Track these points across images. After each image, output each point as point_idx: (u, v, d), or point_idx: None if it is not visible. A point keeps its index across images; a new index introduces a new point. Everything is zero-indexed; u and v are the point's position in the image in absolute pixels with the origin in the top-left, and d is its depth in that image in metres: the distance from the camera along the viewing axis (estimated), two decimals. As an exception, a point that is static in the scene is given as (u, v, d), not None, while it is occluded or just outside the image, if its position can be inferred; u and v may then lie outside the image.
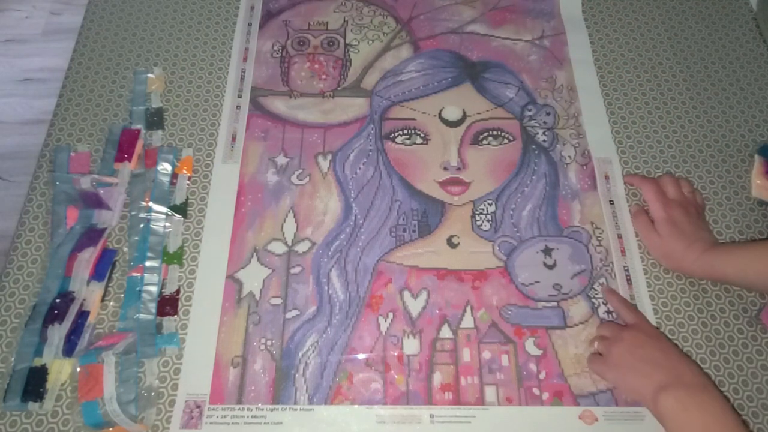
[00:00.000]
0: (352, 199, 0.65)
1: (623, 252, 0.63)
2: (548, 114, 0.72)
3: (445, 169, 0.67)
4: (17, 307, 0.58)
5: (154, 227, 0.61)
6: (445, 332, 0.58)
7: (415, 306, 0.59)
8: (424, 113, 0.71)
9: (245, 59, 0.75)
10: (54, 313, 0.55)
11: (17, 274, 0.60)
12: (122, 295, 0.58)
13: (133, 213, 0.62)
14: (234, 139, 0.69)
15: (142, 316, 0.57)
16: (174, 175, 0.65)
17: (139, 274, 0.59)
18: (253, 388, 0.55)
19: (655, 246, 0.61)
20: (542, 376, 0.56)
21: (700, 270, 0.58)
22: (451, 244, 0.63)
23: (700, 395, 0.49)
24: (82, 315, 0.56)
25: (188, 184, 0.65)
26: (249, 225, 0.63)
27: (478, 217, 0.64)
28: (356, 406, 0.55)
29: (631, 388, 0.53)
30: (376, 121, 0.71)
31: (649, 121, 0.72)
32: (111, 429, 0.52)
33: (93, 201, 0.62)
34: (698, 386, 0.50)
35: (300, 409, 0.54)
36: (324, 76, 0.74)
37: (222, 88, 0.73)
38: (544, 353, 0.57)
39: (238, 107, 0.71)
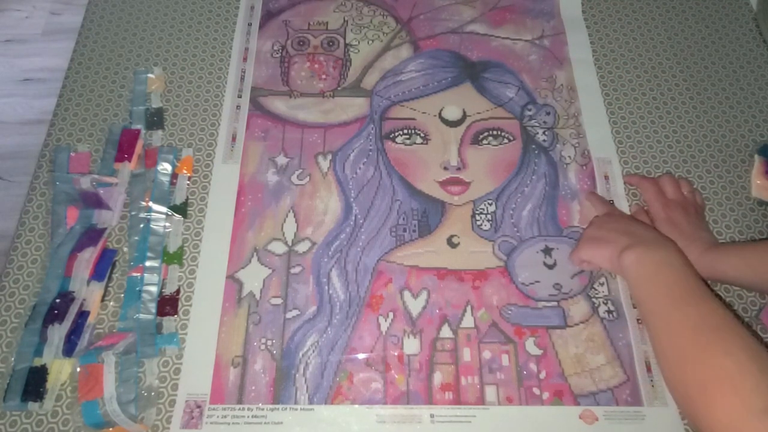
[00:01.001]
0: (352, 199, 0.65)
1: (623, 252, 0.63)
2: (548, 114, 0.72)
3: (445, 168, 0.67)
4: (17, 307, 0.58)
5: (154, 227, 0.61)
6: (446, 332, 0.58)
7: (415, 306, 0.59)
8: (424, 113, 0.71)
9: (245, 59, 0.75)
10: (54, 313, 0.55)
11: (17, 274, 0.60)
12: (122, 295, 0.58)
13: (133, 213, 0.62)
14: (234, 139, 0.69)
15: (142, 316, 0.57)
16: (174, 175, 0.65)
17: (139, 274, 0.59)
18: (253, 388, 0.55)
19: None
20: (542, 375, 0.56)
21: (699, 270, 0.58)
22: (451, 243, 0.63)
23: (657, 251, 0.54)
24: (82, 315, 0.56)
25: (188, 184, 0.65)
26: (249, 225, 0.63)
27: (478, 217, 0.64)
28: (356, 405, 0.55)
29: (602, 257, 0.58)
30: (376, 120, 0.71)
31: (649, 121, 0.72)
32: (111, 429, 0.52)
33: (93, 201, 0.62)
34: (657, 244, 0.55)
35: (300, 409, 0.54)
36: (324, 76, 0.74)
37: (222, 88, 0.73)
38: (544, 353, 0.57)
39: (238, 107, 0.71)
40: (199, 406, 0.54)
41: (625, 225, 0.60)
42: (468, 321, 0.59)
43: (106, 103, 0.71)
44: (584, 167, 0.68)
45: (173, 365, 0.56)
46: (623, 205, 0.66)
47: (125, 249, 0.61)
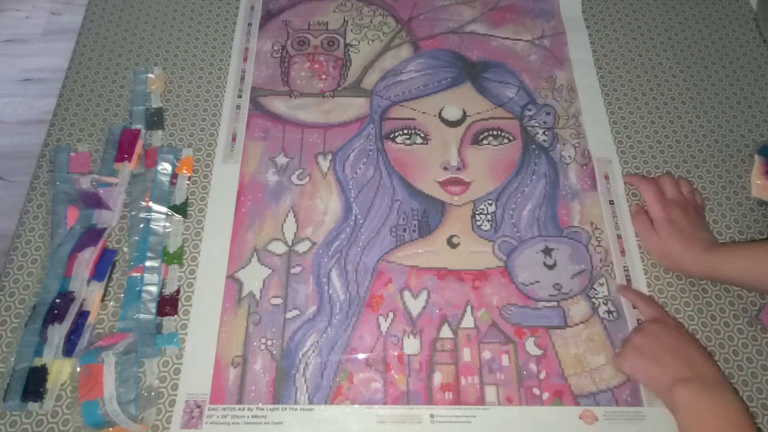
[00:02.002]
0: (352, 199, 0.65)
1: (623, 252, 0.63)
2: (548, 114, 0.72)
3: (445, 168, 0.67)
4: (17, 307, 0.58)
5: (154, 227, 0.61)
6: (446, 332, 0.58)
7: (415, 306, 0.59)
8: (424, 113, 0.71)
9: (245, 59, 0.75)
10: (54, 313, 0.55)
11: (17, 274, 0.60)
12: (122, 295, 0.58)
13: (133, 213, 0.62)
14: (234, 139, 0.69)
15: (142, 316, 0.57)
16: (174, 175, 0.65)
17: (139, 274, 0.59)
18: (253, 388, 0.55)
19: (655, 246, 0.61)
20: (542, 375, 0.56)
21: (699, 270, 0.58)
22: (451, 244, 0.63)
23: (714, 392, 0.50)
24: (82, 315, 0.56)
25: (188, 184, 0.65)
26: (249, 225, 0.63)
27: (478, 217, 0.64)
28: (356, 405, 0.55)
29: (649, 377, 0.54)
30: (376, 120, 0.71)
31: (649, 121, 0.72)
32: (111, 429, 0.52)
33: (93, 201, 0.62)
34: (713, 382, 0.51)
35: (300, 409, 0.54)
36: (324, 76, 0.74)
37: (222, 88, 0.73)
38: (544, 353, 0.57)
39: (238, 107, 0.71)
40: (199, 406, 0.54)
41: (680, 345, 0.54)
42: (468, 321, 0.59)
43: (106, 103, 0.71)
44: (584, 167, 0.68)
45: (173, 365, 0.56)
46: (623, 205, 0.66)
47: (125, 249, 0.61)
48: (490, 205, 0.65)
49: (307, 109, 0.71)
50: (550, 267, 0.62)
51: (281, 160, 0.68)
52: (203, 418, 0.54)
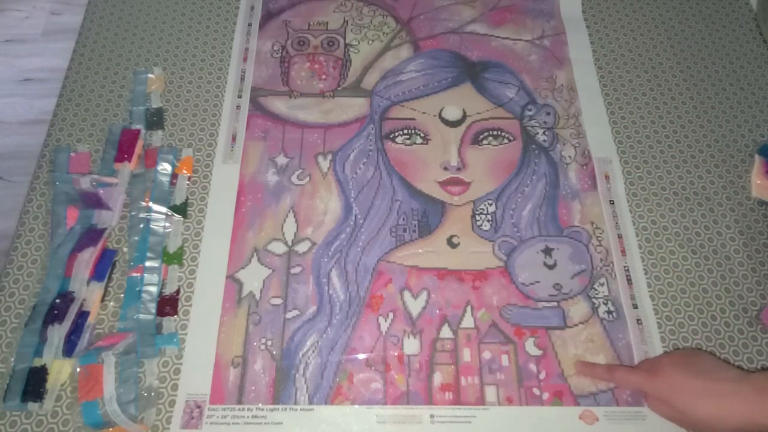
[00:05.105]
0: (352, 199, 0.65)
1: (623, 252, 0.63)
2: (548, 114, 0.72)
3: (446, 169, 0.67)
4: (17, 307, 0.58)
5: (154, 227, 0.61)
6: (446, 332, 0.58)
7: (415, 306, 0.59)
8: (424, 113, 0.71)
9: (245, 59, 0.75)
10: (54, 313, 0.55)
11: (17, 274, 0.60)
12: (122, 295, 0.58)
13: (133, 213, 0.62)
14: (234, 139, 0.69)
15: (142, 316, 0.57)
16: (174, 175, 0.65)
17: (139, 274, 0.59)
18: (253, 388, 0.55)
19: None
20: (542, 376, 0.56)
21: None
22: (451, 244, 0.63)
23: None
24: (82, 315, 0.56)
25: (188, 184, 0.65)
26: (249, 225, 0.63)
27: (478, 217, 0.64)
28: (356, 406, 0.55)
29: (720, 416, 0.48)
30: (376, 121, 0.71)
31: (649, 121, 0.72)
32: (111, 429, 0.52)
33: (93, 201, 0.62)
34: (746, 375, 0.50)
35: (300, 409, 0.54)
36: (324, 76, 0.74)
37: (222, 88, 0.73)
38: (544, 353, 0.57)
39: (238, 107, 0.71)
40: (199, 407, 0.54)
41: (706, 378, 0.50)
42: (468, 321, 0.59)
43: (106, 103, 0.71)
44: (585, 167, 0.68)
45: (173, 365, 0.56)
46: (623, 205, 0.66)
47: (125, 249, 0.61)
48: (490, 205, 0.65)
49: (307, 109, 0.71)
50: (551, 267, 0.62)
51: (281, 160, 0.68)
52: (203, 418, 0.53)
